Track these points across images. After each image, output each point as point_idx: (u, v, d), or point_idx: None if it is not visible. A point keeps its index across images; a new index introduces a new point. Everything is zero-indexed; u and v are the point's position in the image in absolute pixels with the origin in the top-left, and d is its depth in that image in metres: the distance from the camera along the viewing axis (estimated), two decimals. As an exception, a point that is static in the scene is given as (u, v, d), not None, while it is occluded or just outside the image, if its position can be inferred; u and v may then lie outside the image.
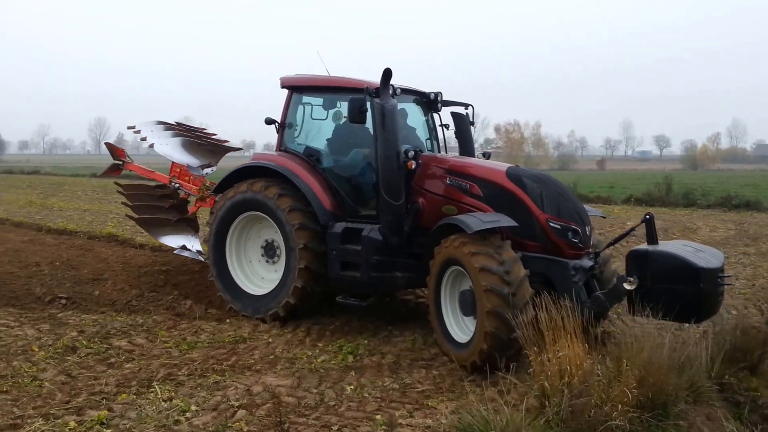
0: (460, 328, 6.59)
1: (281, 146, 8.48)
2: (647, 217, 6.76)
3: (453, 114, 8.90)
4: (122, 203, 11.25)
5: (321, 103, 8.51)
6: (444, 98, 8.72)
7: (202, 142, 10.92)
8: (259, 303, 7.98)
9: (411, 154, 7.40)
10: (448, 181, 7.38)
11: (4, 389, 5.54)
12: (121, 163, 11.76)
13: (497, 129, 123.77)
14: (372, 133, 7.60)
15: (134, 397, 5.43)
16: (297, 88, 8.41)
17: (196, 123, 13.57)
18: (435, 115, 8.98)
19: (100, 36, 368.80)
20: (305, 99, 8.45)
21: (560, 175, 47.37)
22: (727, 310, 7.38)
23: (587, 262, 6.88)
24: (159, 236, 10.38)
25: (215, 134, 11.53)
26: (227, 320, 7.93)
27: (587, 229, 6.96)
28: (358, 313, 8.23)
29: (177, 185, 10.86)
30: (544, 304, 5.23)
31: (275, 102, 8.85)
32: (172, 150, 10.49)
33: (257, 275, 8.40)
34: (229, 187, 8.28)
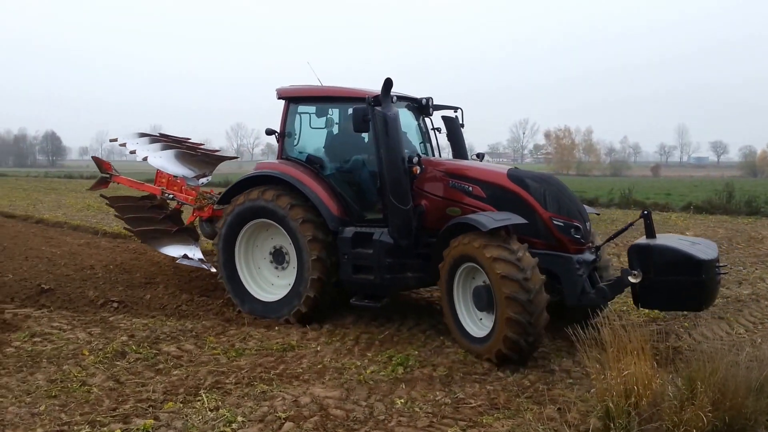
0: (475, 323, 6.92)
1: (282, 155, 8.71)
2: (645, 212, 7.19)
3: (444, 118, 9.20)
4: (114, 215, 11.31)
5: (317, 112, 8.75)
6: (434, 103, 8.89)
7: (194, 153, 11.03)
8: (268, 308, 8.18)
9: (415, 159, 7.70)
10: (450, 184, 7.67)
11: (53, 394, 5.52)
12: (108, 176, 11.82)
13: (547, 135, 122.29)
14: (371, 139, 7.92)
15: (181, 405, 5.33)
16: (293, 98, 8.65)
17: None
18: (427, 120, 9.18)
19: (153, 47, 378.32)
20: (302, 108, 8.69)
21: (613, 183, 46.80)
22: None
23: (589, 257, 7.30)
24: (159, 247, 10.29)
25: (202, 144, 11.86)
26: (276, 327, 7.81)
27: (587, 225, 7.35)
28: (407, 323, 8.04)
29: (170, 196, 10.90)
30: (607, 318, 4.95)
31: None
32: (166, 162, 10.54)
33: (266, 281, 8.55)
34: (234, 195, 8.46)
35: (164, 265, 11.55)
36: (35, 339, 7.10)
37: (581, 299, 6.94)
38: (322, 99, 8.65)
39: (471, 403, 5.48)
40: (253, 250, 8.57)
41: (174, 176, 10.66)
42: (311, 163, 8.35)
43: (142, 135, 11.52)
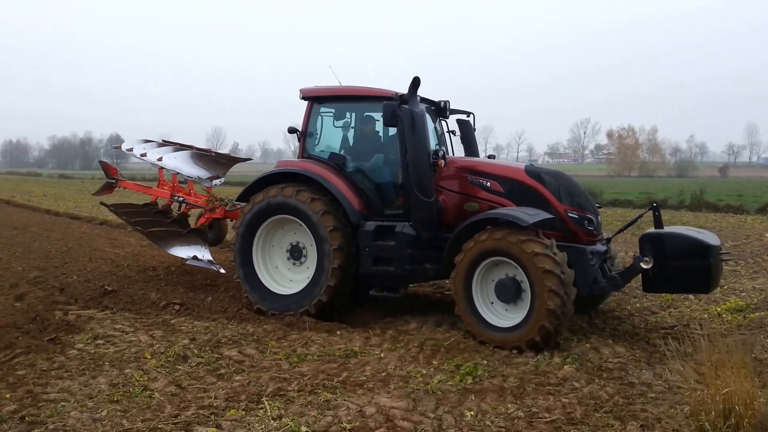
0: (496, 314, 7.28)
1: (304, 153, 8.91)
2: (655, 204, 7.74)
3: (458, 121, 9.54)
4: (123, 220, 11.28)
5: (341, 112, 9.02)
6: (450, 107, 9.29)
7: (208, 154, 11.11)
8: (288, 301, 8.33)
9: (441, 153, 8.00)
10: (469, 180, 8.06)
11: (115, 399, 5.44)
12: (114, 181, 11.71)
13: (609, 134, 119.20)
14: (392, 137, 8.36)
15: (243, 413, 5.17)
16: (317, 98, 8.87)
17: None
18: (443, 122, 9.52)
19: (215, 45, 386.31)
20: (324, 108, 8.93)
21: (679, 183, 45.23)
22: None
23: (601, 247, 7.78)
24: (169, 248, 10.24)
25: (209, 150, 11.81)
26: (337, 332, 7.61)
27: (598, 217, 7.92)
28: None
29: (180, 199, 10.85)
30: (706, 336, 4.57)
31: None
32: (181, 163, 10.63)
33: (283, 277, 8.70)
34: (254, 193, 8.59)
35: (224, 267, 11.52)
36: (98, 341, 7.09)
37: (593, 289, 7.41)
38: (345, 99, 8.90)
39: (546, 417, 5.14)
40: (270, 248, 8.73)
41: (186, 178, 10.75)
42: (333, 161, 8.58)
43: (146, 141, 11.60)
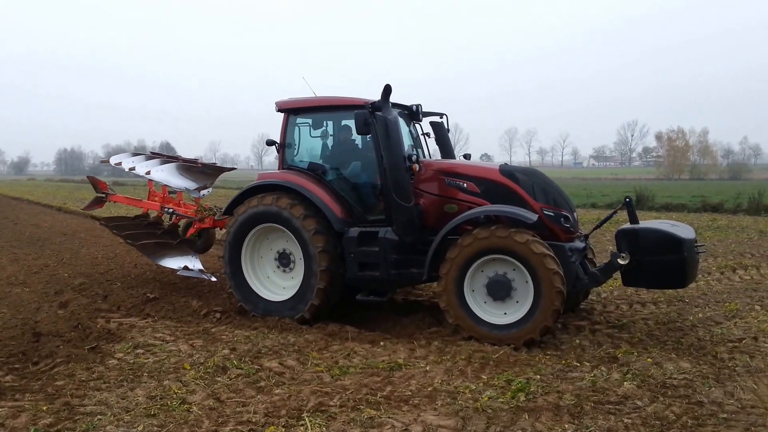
0: (488, 312, 7.35)
1: (284, 164, 8.98)
2: (627, 200, 7.87)
3: (432, 123, 9.56)
4: (114, 233, 11.11)
5: (316, 122, 9.09)
6: (423, 110, 9.25)
7: (195, 165, 11.11)
8: (281, 307, 8.42)
9: (414, 158, 8.05)
10: (446, 182, 8.14)
11: (153, 412, 5.24)
12: (104, 195, 11.70)
13: (658, 137, 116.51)
14: (369, 144, 8.37)
15: (283, 429, 4.92)
16: (292, 110, 8.92)
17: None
18: (417, 126, 9.57)
19: (262, 59, 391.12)
20: (300, 119, 8.99)
21: (733, 186, 43.46)
22: None
23: (579, 244, 7.91)
24: (159, 260, 10.15)
25: (196, 160, 11.69)
26: (381, 343, 7.31)
27: (574, 215, 7.98)
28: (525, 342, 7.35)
29: (170, 210, 10.86)
30: None
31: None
32: (168, 175, 10.65)
33: (275, 285, 8.76)
34: (237, 206, 8.71)
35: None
36: (138, 351, 6.95)
37: (576, 285, 7.53)
38: (319, 109, 8.95)
39: (607, 440, 4.74)
40: (258, 257, 8.82)
41: (175, 190, 10.78)
42: (313, 171, 8.66)
43: (136, 154, 11.62)
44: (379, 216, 8.31)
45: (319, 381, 6.06)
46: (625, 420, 5.10)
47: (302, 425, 4.97)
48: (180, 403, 5.45)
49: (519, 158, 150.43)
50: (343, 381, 6.04)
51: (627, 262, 7.33)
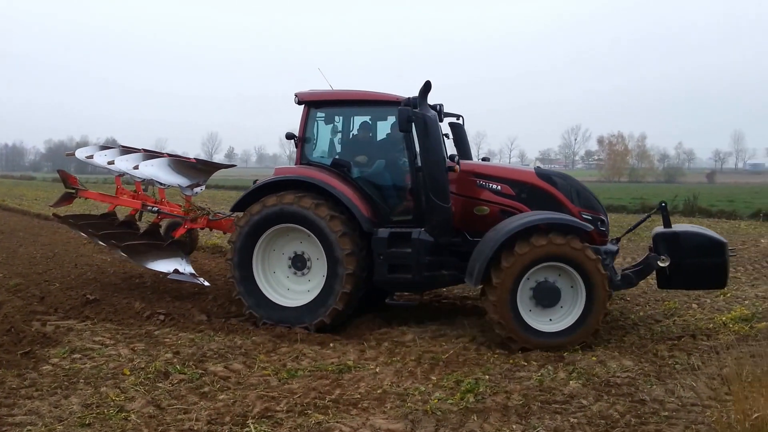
0: (536, 320, 7.16)
1: (303, 159, 8.50)
2: (662, 204, 8.06)
3: (451, 124, 9.28)
4: (87, 234, 10.09)
5: (339, 116, 8.72)
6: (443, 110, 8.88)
7: (188, 160, 10.54)
8: (297, 313, 7.91)
9: (456, 159, 8.03)
10: (477, 184, 8.05)
11: (87, 422, 5.03)
12: (74, 191, 10.73)
13: (600, 141, 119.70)
14: (391, 141, 8.34)
15: (226, 437, 4.77)
16: (314, 103, 8.50)
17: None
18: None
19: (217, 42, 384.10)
20: (322, 113, 8.59)
21: (668, 189, 44.95)
22: None
23: (612, 247, 7.93)
24: (146, 262, 9.38)
25: (178, 155, 11.18)
26: (330, 344, 7.22)
27: (607, 218, 8.10)
28: (475, 341, 7.38)
29: (155, 209, 10.01)
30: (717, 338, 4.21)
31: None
32: (158, 171, 9.99)
33: (284, 288, 8.24)
34: (249, 204, 8.12)
35: (214, 273, 11.14)
36: (74, 356, 6.67)
37: (609, 287, 7.31)
38: (343, 103, 8.60)
39: (554, 440, 4.76)
40: (269, 260, 8.25)
41: (166, 186, 10.08)
42: (337, 167, 8.25)
43: (103, 147, 10.90)
44: (405, 216, 8.09)
45: (266, 385, 5.93)
46: (571, 419, 5.13)
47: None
48: (117, 411, 5.23)
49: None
50: (291, 385, 5.93)
51: (667, 264, 7.41)
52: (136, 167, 10.01)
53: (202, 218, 9.74)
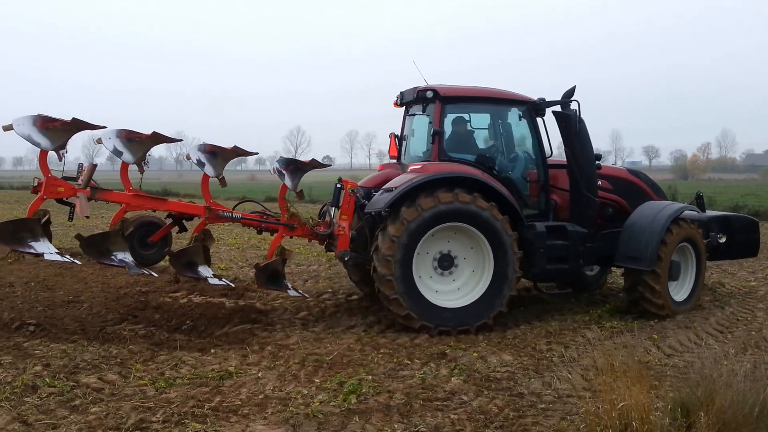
0: (673, 292, 8.76)
1: (441, 156, 8.39)
2: (700, 194, 9.91)
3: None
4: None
5: (478, 112, 8.97)
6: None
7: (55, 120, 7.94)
8: (460, 315, 7.83)
9: (600, 156, 8.83)
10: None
11: (-59, 443, 4.63)
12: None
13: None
14: (523, 138, 8.91)
15: (97, 451, 4.52)
16: (450, 98, 8.53)
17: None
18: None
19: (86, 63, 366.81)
20: (459, 109, 8.74)
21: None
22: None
23: None
24: (190, 271, 8.34)
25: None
26: (212, 351, 7.00)
27: None
28: (360, 342, 7.40)
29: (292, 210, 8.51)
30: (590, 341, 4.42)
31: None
32: (26, 129, 7.65)
33: (431, 289, 8.01)
34: (406, 201, 7.72)
35: (91, 281, 10.59)
36: (-69, 373, 6.13)
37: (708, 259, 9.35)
38: (479, 100, 8.82)
39: (434, 437, 4.83)
40: (420, 259, 7.96)
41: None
42: (481, 163, 8.43)
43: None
44: (534, 210, 8.69)
45: (142, 395, 5.67)
46: (452, 415, 5.24)
47: (119, 445, 4.62)
48: (-22, 431, 4.87)
49: (360, 160, 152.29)
50: (169, 394, 5.70)
51: (724, 240, 9.33)
52: (187, 157, 8.45)
53: (302, 226, 8.47)
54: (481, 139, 9.07)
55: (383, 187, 8.15)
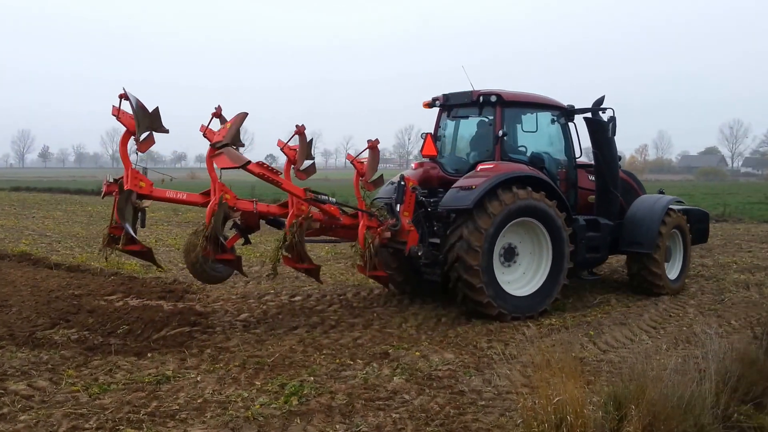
0: (668, 272, 10.27)
1: (503, 156, 9.12)
2: (661, 191, 11.00)
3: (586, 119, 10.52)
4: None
5: (531, 116, 9.76)
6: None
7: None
8: (528, 302, 8.71)
9: (620, 158, 10.27)
10: (590, 179, 10.18)
11: None
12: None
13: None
14: (557, 139, 9.91)
15: (26, 461, 4.34)
16: (511, 103, 9.28)
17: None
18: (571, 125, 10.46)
19: (24, 49, 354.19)
20: (515, 112, 9.52)
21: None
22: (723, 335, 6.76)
23: None
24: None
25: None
26: (148, 355, 6.80)
27: None
28: (302, 343, 7.33)
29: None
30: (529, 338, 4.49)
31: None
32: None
33: (503, 279, 8.70)
34: (488, 196, 8.31)
35: (20, 283, 10.23)
36: None
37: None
38: (531, 105, 9.70)
39: (376, 437, 4.82)
40: None
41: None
42: (534, 164, 9.32)
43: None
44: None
45: (75, 402, 5.47)
46: (394, 415, 5.23)
47: (50, 454, 4.44)
48: None
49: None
50: (103, 400, 5.51)
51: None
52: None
53: (375, 222, 8.43)
54: (533, 141, 9.82)
55: (455, 186, 8.64)
